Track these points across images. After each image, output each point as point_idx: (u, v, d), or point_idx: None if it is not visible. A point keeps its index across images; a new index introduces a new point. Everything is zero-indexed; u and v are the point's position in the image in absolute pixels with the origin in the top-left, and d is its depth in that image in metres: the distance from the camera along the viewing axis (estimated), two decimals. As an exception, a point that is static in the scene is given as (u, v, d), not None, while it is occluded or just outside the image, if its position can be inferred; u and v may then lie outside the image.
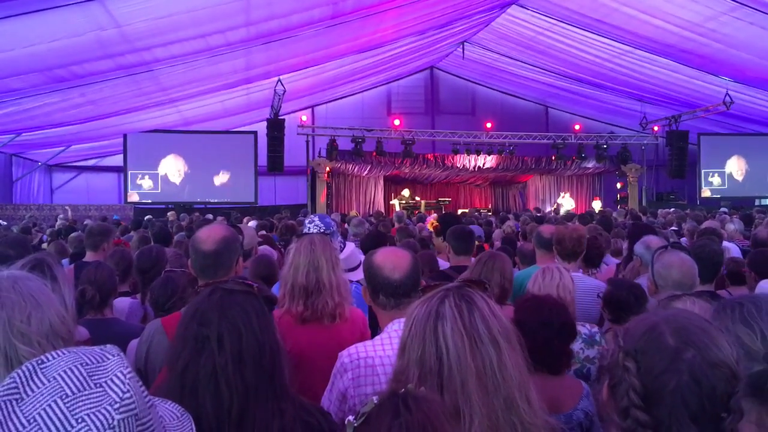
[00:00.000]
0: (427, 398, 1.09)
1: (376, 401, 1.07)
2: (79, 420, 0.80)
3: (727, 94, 15.87)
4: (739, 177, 20.97)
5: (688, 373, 1.05)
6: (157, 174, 18.11)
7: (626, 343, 1.14)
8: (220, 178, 18.51)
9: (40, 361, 0.86)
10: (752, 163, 20.84)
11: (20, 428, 0.80)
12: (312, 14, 10.13)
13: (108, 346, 0.91)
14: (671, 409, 1.06)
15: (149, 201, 17.95)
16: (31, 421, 0.80)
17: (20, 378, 0.84)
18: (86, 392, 0.82)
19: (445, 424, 1.06)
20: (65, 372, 0.84)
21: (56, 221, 12.58)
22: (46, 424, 0.80)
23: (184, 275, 2.93)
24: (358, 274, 2.73)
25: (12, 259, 2.36)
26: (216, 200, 18.33)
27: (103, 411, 0.81)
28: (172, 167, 18.27)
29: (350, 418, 1.07)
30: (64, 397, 0.81)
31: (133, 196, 17.97)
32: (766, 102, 16.68)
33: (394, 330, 1.98)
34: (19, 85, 9.83)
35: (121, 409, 0.82)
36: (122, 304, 3.46)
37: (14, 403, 0.82)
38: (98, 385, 0.83)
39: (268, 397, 1.44)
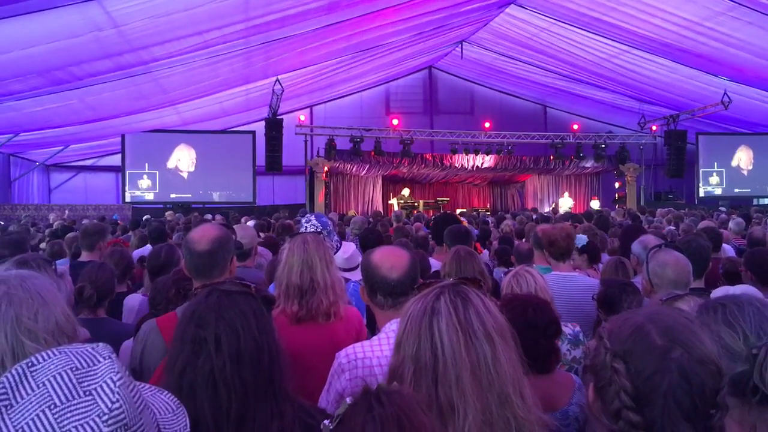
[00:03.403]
0: (400, 391, 1.08)
1: (349, 402, 1.06)
2: None
3: (725, 93, 15.89)
4: (749, 167, 20.81)
5: (678, 372, 1.05)
6: (156, 174, 18.03)
7: (613, 344, 1.13)
8: (219, 178, 18.48)
9: (30, 364, 0.86)
10: (754, 160, 20.82)
11: None
12: (308, 8, 10.12)
13: (100, 345, 0.90)
14: (664, 409, 1.05)
15: (150, 199, 17.90)
16: (19, 431, 0.80)
17: (10, 383, 0.84)
18: (75, 401, 0.82)
19: (421, 415, 1.04)
20: (55, 378, 0.84)
21: (51, 221, 12.52)
22: None
23: (175, 275, 2.91)
24: (359, 274, 2.71)
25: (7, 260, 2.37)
26: (216, 199, 18.30)
27: (91, 423, 0.81)
28: (185, 157, 18.20)
29: (326, 422, 1.06)
30: (52, 406, 0.81)
31: (146, 195, 17.95)
32: (763, 101, 16.69)
33: (392, 330, 1.95)
34: (18, 87, 9.82)
35: (110, 421, 0.82)
36: (133, 301, 3.46)
37: (3, 410, 0.82)
38: (87, 393, 0.83)
39: (267, 398, 1.42)
